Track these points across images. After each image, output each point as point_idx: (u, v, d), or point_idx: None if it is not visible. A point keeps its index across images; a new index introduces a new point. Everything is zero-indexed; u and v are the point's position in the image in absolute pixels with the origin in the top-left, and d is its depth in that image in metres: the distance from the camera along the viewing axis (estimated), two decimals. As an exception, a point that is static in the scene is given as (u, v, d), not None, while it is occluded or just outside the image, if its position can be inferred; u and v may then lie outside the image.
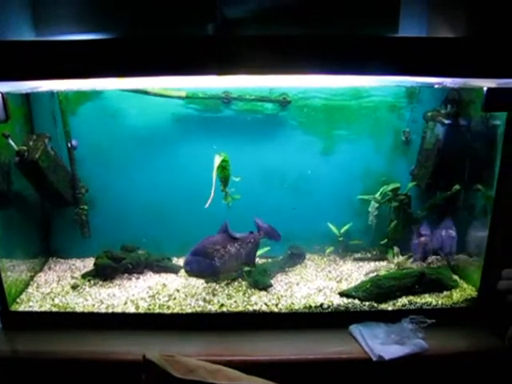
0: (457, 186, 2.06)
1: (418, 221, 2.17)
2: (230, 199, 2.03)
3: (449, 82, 1.67)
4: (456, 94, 2.00)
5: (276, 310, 1.84)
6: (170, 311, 1.84)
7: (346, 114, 2.18)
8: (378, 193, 2.20)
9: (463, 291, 1.95)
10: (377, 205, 2.21)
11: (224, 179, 1.99)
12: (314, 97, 2.15)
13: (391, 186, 2.16)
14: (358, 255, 2.34)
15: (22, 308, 1.87)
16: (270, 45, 1.33)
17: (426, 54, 1.36)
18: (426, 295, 1.92)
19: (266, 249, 2.19)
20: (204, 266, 1.88)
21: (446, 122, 1.99)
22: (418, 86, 2.07)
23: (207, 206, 1.89)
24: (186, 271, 1.92)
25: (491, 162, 1.77)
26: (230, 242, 1.94)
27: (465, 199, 2.05)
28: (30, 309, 1.86)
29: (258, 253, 2.14)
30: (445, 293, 1.94)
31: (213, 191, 1.91)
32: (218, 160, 1.94)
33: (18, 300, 1.91)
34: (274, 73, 1.39)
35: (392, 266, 2.17)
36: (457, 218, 2.07)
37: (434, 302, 1.88)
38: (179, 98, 2.08)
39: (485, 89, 1.57)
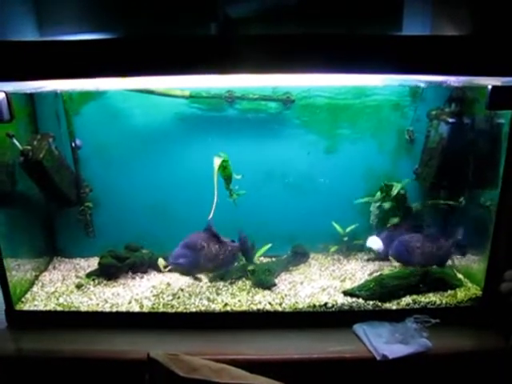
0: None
1: (417, 215, 2.18)
2: (235, 196, 2.04)
3: (453, 80, 1.67)
4: (460, 93, 1.99)
5: (280, 309, 1.84)
6: (174, 310, 1.85)
7: (349, 113, 2.18)
8: (379, 193, 2.19)
9: (467, 290, 1.95)
10: (378, 204, 2.21)
11: (226, 178, 2.00)
12: (317, 96, 2.15)
13: (396, 189, 2.14)
14: (361, 255, 2.33)
15: (26, 307, 1.88)
16: (272, 44, 1.33)
17: (430, 52, 1.35)
18: (430, 294, 1.92)
19: (268, 246, 2.18)
20: (191, 261, 1.85)
21: (450, 120, 1.98)
22: (422, 86, 2.06)
23: (211, 216, 1.89)
24: (174, 264, 1.86)
25: (496, 161, 1.76)
26: (213, 242, 1.93)
27: (467, 200, 2.05)
28: (35, 308, 1.87)
29: (259, 253, 2.14)
30: (449, 292, 1.93)
31: (215, 196, 1.90)
32: (217, 162, 1.94)
33: (22, 299, 1.92)
34: (277, 72, 1.40)
35: (396, 264, 2.17)
36: (459, 218, 2.07)
37: (438, 302, 1.87)
38: (183, 97, 2.08)
39: (489, 87, 1.57)
